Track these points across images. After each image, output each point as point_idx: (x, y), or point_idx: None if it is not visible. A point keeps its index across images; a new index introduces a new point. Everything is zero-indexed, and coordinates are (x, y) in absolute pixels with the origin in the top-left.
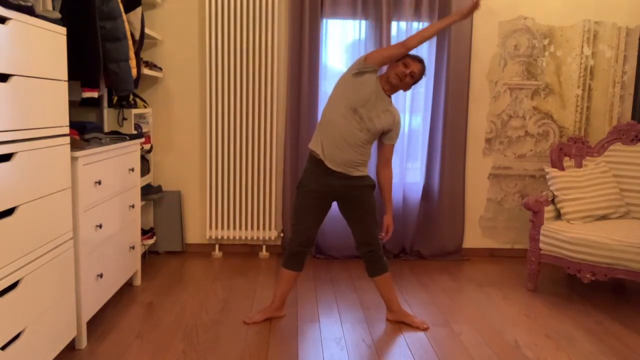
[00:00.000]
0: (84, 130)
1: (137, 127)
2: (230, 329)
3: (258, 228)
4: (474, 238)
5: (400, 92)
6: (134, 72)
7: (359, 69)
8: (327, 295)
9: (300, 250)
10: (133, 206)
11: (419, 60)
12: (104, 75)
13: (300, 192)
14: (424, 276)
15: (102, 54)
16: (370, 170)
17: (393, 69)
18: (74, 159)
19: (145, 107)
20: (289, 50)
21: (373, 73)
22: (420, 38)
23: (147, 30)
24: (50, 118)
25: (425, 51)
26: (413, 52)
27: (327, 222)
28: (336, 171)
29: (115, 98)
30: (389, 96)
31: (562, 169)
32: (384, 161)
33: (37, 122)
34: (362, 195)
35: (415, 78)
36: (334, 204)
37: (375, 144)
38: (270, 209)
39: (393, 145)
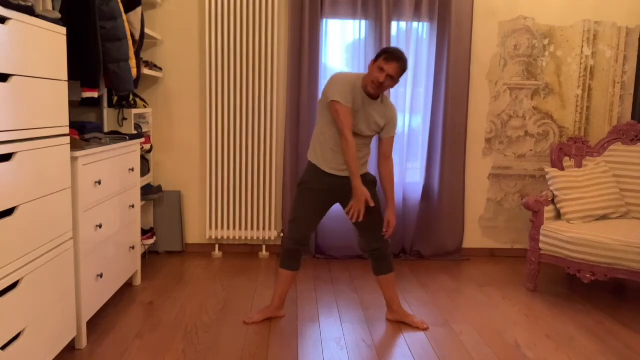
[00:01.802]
0: (84, 130)
1: (137, 127)
2: (230, 329)
3: (258, 228)
4: (474, 238)
5: (400, 91)
6: (134, 72)
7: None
8: (327, 295)
9: (296, 248)
10: (133, 206)
11: (396, 59)
12: (104, 75)
13: (300, 190)
14: (424, 276)
15: (102, 54)
16: (371, 167)
17: (369, 76)
18: (74, 159)
19: (145, 107)
20: (289, 50)
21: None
22: (345, 157)
23: (147, 30)
24: (50, 118)
25: (426, 51)
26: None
27: (327, 222)
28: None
29: (115, 98)
30: (377, 97)
31: (562, 169)
32: (384, 155)
33: (37, 122)
34: None
35: (395, 79)
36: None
37: (375, 140)
38: (270, 209)
39: (392, 138)
